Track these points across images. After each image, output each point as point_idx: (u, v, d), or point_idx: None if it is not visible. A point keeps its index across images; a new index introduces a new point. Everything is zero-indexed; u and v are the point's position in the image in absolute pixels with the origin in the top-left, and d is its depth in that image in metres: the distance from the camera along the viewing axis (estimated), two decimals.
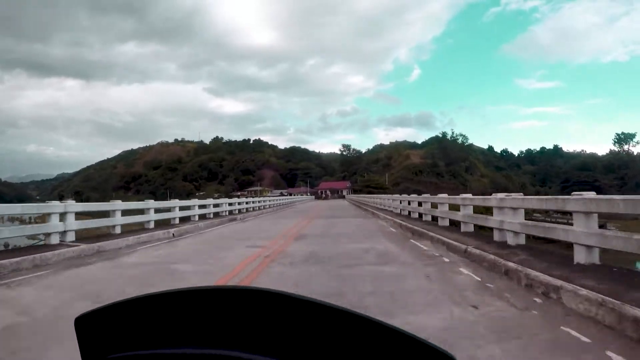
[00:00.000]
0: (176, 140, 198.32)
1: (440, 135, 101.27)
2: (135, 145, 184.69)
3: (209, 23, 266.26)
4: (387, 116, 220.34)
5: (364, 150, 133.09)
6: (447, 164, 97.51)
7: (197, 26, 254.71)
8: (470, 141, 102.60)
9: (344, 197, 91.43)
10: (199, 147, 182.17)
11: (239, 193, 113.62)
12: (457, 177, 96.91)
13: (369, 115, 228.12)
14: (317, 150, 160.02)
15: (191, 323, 0.56)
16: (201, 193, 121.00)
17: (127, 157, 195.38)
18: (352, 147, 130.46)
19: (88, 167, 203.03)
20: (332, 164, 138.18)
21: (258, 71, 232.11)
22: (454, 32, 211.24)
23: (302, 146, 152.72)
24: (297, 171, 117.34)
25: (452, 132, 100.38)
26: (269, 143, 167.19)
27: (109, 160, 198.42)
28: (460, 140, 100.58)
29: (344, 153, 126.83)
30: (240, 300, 0.54)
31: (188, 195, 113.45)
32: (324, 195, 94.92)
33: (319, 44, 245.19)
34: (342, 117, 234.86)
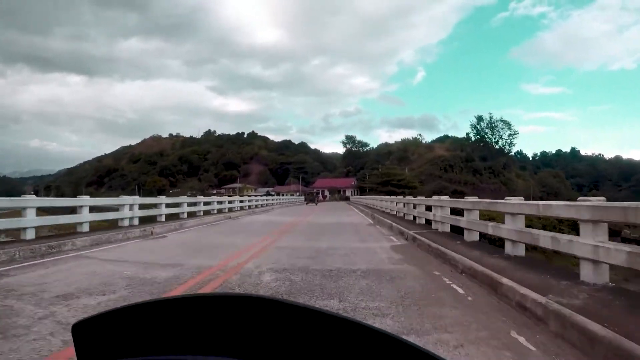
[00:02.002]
0: (170, 135, 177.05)
1: (476, 120, 75.14)
2: (135, 142, 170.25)
3: (213, 20, 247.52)
4: (390, 118, 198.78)
5: (368, 147, 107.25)
6: (482, 159, 71.65)
7: (200, 23, 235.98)
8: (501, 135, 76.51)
9: (347, 198, 65.70)
10: (186, 140, 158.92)
11: (215, 191, 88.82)
12: (498, 175, 71.10)
13: (372, 116, 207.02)
14: (319, 150, 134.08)
15: (187, 330, 0.54)
16: (175, 190, 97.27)
17: (123, 152, 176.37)
18: (358, 139, 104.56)
19: (84, 163, 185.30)
20: (333, 161, 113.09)
21: (262, 70, 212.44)
22: (461, 35, 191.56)
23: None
24: (289, 165, 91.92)
25: (490, 117, 74.25)
26: (262, 135, 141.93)
27: (105, 155, 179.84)
28: (499, 127, 74.50)
29: (348, 146, 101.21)
30: (235, 307, 0.53)
31: (159, 192, 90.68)
32: (320, 197, 69.59)
33: (324, 44, 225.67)
34: (345, 118, 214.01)
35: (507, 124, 73.99)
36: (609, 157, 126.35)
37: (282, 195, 71.37)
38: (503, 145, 74.39)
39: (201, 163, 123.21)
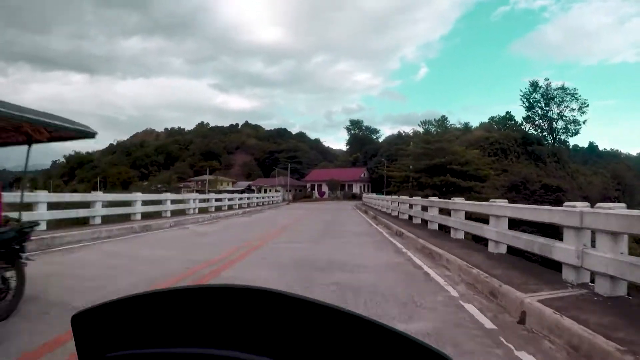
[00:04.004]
0: (166, 129, 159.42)
1: (529, 89, 53.69)
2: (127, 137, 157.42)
3: (215, 18, 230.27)
4: (392, 114, 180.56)
5: (378, 135, 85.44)
6: (538, 142, 50.53)
7: (202, 21, 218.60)
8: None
9: (355, 196, 44.95)
10: (174, 131, 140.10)
11: (181, 185, 68.41)
12: (565, 165, 50.07)
13: (374, 113, 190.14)
14: (319, 139, 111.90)
15: (188, 322, 0.53)
16: (144, 183, 77.24)
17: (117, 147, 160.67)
18: (365, 124, 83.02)
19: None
20: (335, 152, 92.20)
21: (264, 67, 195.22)
22: (462, 31, 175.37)
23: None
24: (279, 154, 71.21)
25: (547, 85, 52.91)
26: (255, 124, 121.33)
27: (99, 151, 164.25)
28: (558, 98, 53.13)
29: (353, 131, 80.00)
30: (237, 299, 0.51)
31: (125, 186, 67.67)
32: (315, 195, 48.96)
33: (326, 41, 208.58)
34: (347, 115, 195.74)
35: (573, 94, 52.42)
36: (625, 152, 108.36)
37: (265, 191, 50.76)
38: (568, 123, 53.10)
39: (182, 154, 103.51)
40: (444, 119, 65.23)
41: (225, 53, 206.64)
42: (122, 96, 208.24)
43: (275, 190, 47.41)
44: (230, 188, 61.81)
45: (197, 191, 60.00)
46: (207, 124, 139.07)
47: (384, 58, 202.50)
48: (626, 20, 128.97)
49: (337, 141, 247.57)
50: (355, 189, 48.23)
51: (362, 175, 51.69)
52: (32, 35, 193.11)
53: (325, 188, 48.53)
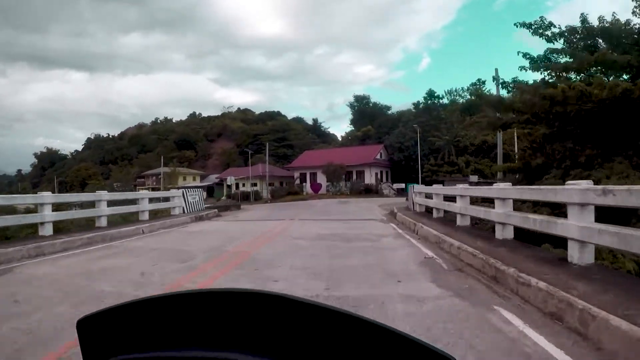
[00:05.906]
0: (157, 118, 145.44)
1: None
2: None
3: (215, 11, 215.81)
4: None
5: (390, 112, 67.51)
6: None
7: (202, 15, 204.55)
8: None
9: (370, 189, 28.59)
10: (157, 122, 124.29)
11: (134, 183, 52.45)
12: None
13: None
14: (317, 119, 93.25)
15: (193, 325, 0.53)
16: (102, 182, 61.67)
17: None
18: (373, 100, 65.39)
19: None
20: (336, 138, 75.24)
21: (265, 61, 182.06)
22: (464, 20, 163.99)
23: None
24: (264, 136, 54.67)
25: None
26: (245, 108, 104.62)
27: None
28: None
29: (357, 106, 62.69)
30: (241, 302, 0.52)
31: (82, 186, 56.31)
32: (307, 190, 32.38)
33: (327, 33, 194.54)
34: (350, 108, 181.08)
35: None
36: None
37: (240, 186, 34.63)
38: None
39: (159, 144, 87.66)
40: (480, 82, 47.71)
41: (226, 47, 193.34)
42: (123, 94, 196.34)
43: (255, 184, 30.99)
44: (196, 183, 45.62)
45: (153, 189, 44.44)
46: (200, 114, 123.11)
47: (386, 49, 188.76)
48: (630, 9, 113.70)
49: (342, 133, 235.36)
50: (368, 178, 31.60)
51: (379, 155, 34.72)
52: (30, 35, 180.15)
53: (322, 178, 31.95)
